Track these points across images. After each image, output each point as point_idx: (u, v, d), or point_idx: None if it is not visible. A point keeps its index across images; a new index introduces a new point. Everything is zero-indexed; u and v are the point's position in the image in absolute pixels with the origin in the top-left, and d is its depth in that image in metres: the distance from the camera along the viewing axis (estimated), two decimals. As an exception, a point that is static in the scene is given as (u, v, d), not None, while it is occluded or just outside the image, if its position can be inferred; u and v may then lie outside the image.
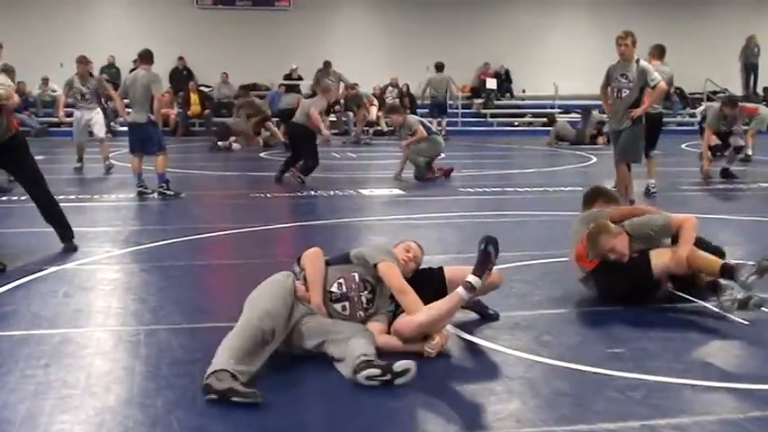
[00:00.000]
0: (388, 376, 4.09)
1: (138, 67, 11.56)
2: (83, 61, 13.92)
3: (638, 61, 9.47)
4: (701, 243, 5.65)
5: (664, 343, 4.89)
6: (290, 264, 4.99)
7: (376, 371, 4.11)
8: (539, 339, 4.95)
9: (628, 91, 9.50)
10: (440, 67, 21.85)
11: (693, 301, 5.74)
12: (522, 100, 26.85)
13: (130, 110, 11.67)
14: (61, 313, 5.52)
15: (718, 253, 5.71)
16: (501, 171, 14.05)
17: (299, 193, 11.59)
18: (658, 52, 11.83)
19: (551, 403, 3.97)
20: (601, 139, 19.85)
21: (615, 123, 9.74)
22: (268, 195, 11.43)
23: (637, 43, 9.50)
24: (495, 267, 4.68)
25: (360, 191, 11.84)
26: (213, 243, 8.25)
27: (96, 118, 14.11)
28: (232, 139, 19.31)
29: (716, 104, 13.97)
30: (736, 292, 5.20)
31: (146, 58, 11.39)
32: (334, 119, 21.93)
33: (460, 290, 4.54)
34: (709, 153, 13.33)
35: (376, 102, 23.04)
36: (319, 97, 13.26)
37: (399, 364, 4.12)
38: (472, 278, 4.54)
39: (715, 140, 13.54)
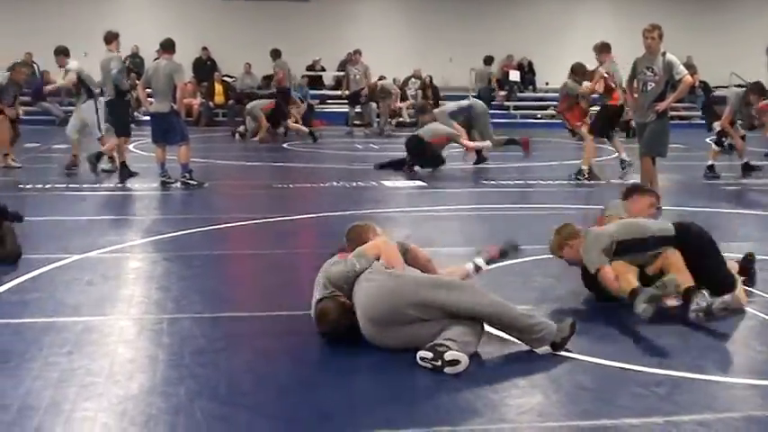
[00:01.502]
0: (439, 362, 4.20)
1: (160, 57, 11.54)
2: (57, 52, 12.57)
3: (663, 54, 9.38)
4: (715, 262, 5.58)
5: (688, 339, 4.85)
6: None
7: (428, 354, 4.25)
8: (561, 333, 4.90)
9: (653, 84, 9.41)
10: (486, 61, 21.81)
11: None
12: (546, 92, 26.71)
13: (152, 99, 11.67)
14: (85, 301, 5.54)
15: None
16: (524, 163, 13.98)
17: (322, 184, 11.58)
18: (606, 50, 12.32)
19: (574, 398, 3.95)
20: None
21: (640, 117, 9.66)
22: (290, 186, 11.44)
23: (663, 36, 9.40)
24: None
25: (382, 182, 11.83)
26: (235, 233, 8.26)
27: (76, 114, 12.66)
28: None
29: (740, 90, 13.56)
30: (701, 300, 4.98)
31: (168, 47, 11.38)
32: (359, 110, 21.89)
33: (469, 266, 5.41)
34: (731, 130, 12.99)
35: (399, 92, 22.97)
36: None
37: (450, 354, 4.19)
38: (481, 262, 5.47)
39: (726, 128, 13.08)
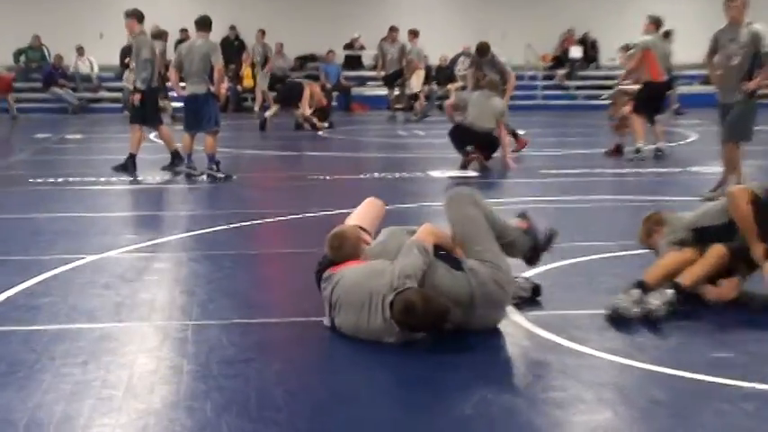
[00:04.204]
0: None
1: (195, 36, 11.52)
2: None
3: (748, 25, 9.19)
4: None
5: (778, 346, 4.77)
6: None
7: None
8: (633, 341, 4.86)
9: (739, 58, 9.19)
10: (666, 34, 21.07)
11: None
12: (611, 70, 26.42)
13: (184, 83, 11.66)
14: (101, 306, 5.57)
15: None
16: (586, 150, 13.89)
17: (362, 176, 11.58)
18: (654, 24, 12.77)
19: (648, 414, 3.89)
20: None
21: (725, 96, 9.42)
22: (327, 177, 11.45)
23: (747, 5, 9.21)
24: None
25: (429, 172, 11.79)
26: (268, 230, 8.30)
27: None
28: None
29: None
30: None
31: (203, 25, 11.39)
32: (398, 92, 21.81)
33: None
34: None
35: (422, 67, 22.35)
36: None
37: None
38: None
39: None
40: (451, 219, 5.16)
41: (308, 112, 18.08)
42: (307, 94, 18.12)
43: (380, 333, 4.71)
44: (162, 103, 15.83)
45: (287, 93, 18.69)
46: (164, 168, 11.69)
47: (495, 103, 12.13)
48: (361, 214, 5.86)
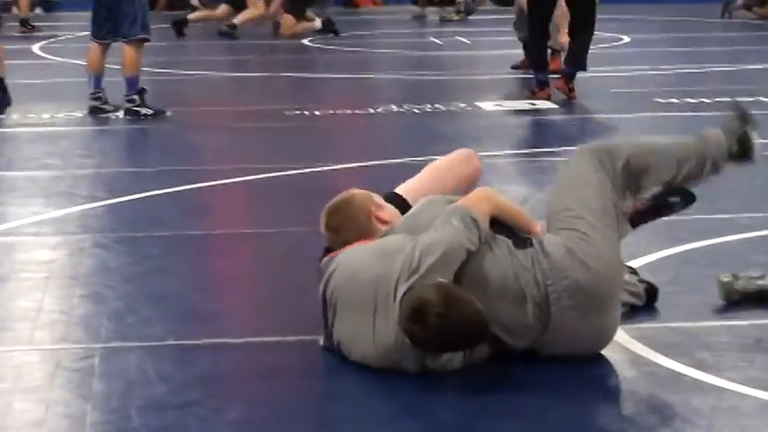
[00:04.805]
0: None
1: None
2: None
3: None
4: None
5: None
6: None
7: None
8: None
9: None
10: None
11: None
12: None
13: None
14: (-46, 321, 5.62)
15: None
16: (731, 66, 13.85)
17: (371, 110, 11.56)
18: None
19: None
20: None
21: None
22: (316, 113, 11.46)
23: None
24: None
25: (477, 104, 11.80)
26: (220, 197, 8.34)
27: None
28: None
29: None
30: None
31: None
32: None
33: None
34: None
35: None
36: None
37: None
38: None
39: None
40: (557, 178, 5.26)
41: (263, 8, 18.29)
42: None
43: (393, 354, 4.64)
44: None
45: None
46: None
47: None
48: (425, 181, 5.69)
